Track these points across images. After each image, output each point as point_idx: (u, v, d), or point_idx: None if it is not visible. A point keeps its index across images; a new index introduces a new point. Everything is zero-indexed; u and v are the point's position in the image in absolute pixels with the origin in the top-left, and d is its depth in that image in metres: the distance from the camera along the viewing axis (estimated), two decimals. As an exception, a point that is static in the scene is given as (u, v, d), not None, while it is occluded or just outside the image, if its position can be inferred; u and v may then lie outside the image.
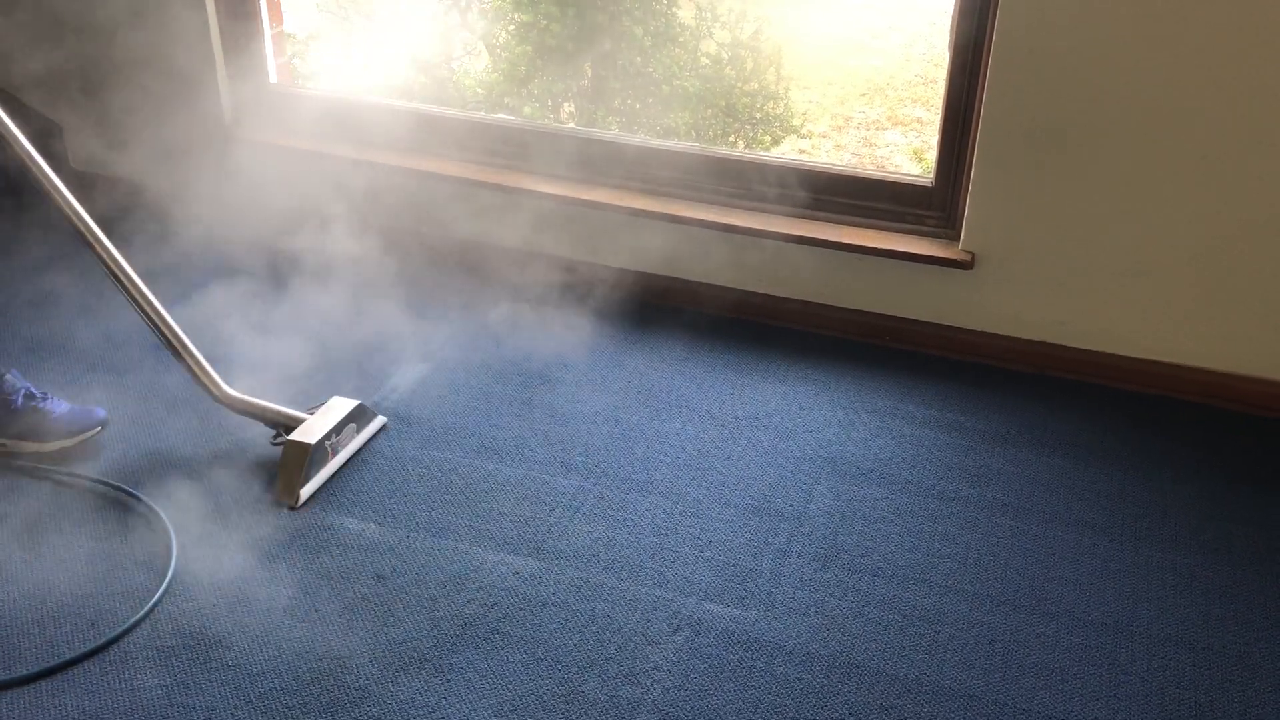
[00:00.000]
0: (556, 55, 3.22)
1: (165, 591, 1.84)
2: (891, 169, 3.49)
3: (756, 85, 3.54)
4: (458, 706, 1.67)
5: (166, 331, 2.04)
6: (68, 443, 2.14)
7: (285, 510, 2.04)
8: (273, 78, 3.00)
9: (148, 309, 2.02)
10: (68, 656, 1.72)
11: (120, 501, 2.05)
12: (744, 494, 2.14)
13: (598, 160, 2.77)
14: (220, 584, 1.88)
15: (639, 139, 2.79)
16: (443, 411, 2.33)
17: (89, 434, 2.17)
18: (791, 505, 2.11)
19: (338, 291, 2.71)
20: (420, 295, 2.76)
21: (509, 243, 2.85)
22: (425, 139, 2.90)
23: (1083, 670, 1.77)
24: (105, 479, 2.09)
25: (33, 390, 2.16)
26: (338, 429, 2.13)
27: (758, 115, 3.57)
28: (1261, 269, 2.30)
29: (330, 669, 1.72)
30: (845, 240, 2.54)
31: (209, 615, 1.81)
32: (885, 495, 2.14)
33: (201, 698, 1.67)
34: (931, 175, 2.54)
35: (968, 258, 2.46)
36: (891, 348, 2.62)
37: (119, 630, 1.76)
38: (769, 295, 2.69)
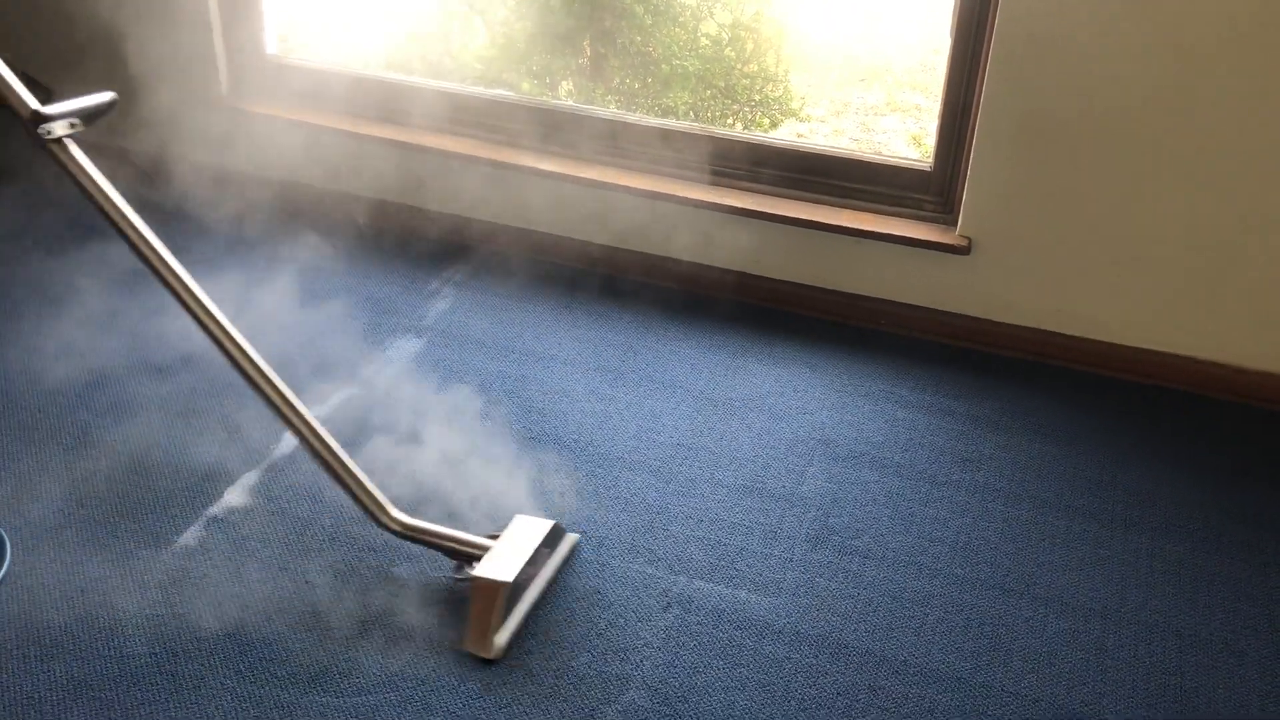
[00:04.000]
0: (556, 31, 3.20)
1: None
2: (889, 154, 3.48)
3: (756, 67, 3.53)
4: (446, 679, 1.67)
5: (319, 447, 1.76)
6: None
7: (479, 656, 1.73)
8: (270, 48, 2.98)
9: (293, 418, 1.74)
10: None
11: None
12: (736, 474, 2.14)
13: (594, 137, 2.76)
14: (214, 558, 1.87)
15: (637, 117, 2.78)
16: (431, 388, 2.33)
17: None
18: (783, 486, 2.11)
19: (329, 265, 2.70)
20: (413, 269, 2.75)
21: (501, 219, 2.84)
22: (423, 112, 2.89)
23: (1070, 655, 1.77)
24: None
25: None
26: (533, 559, 1.79)
27: (757, 97, 3.55)
28: (1256, 261, 2.30)
29: (320, 640, 1.72)
30: (843, 223, 2.53)
31: (198, 584, 1.81)
32: (877, 478, 2.14)
33: (191, 666, 1.67)
34: (930, 160, 2.53)
35: (964, 243, 2.46)
36: (886, 332, 2.62)
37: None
38: (764, 277, 2.69)
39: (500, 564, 1.74)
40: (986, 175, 2.41)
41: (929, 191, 2.55)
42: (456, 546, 1.81)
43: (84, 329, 2.45)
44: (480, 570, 1.73)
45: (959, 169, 2.48)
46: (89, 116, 1.66)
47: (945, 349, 2.56)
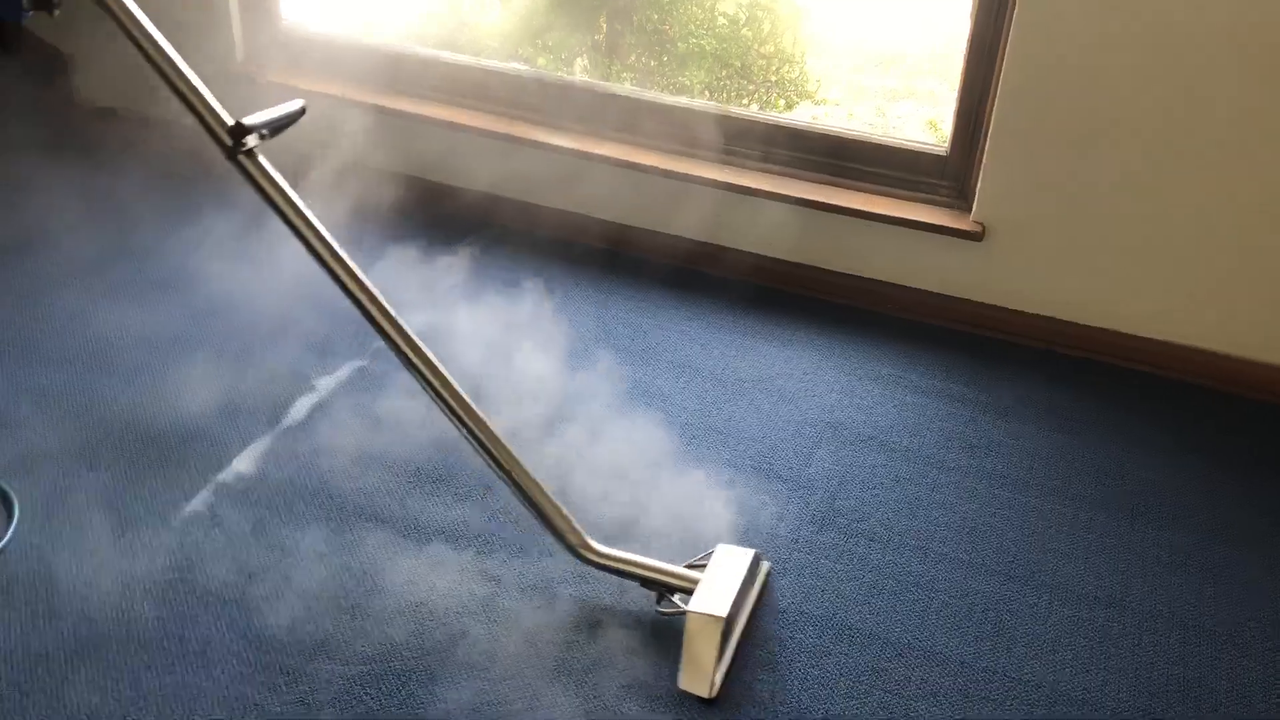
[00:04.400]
0: (572, 8, 3.19)
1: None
2: (905, 138, 3.47)
3: (773, 48, 3.50)
4: (447, 650, 1.68)
5: (519, 475, 1.69)
6: None
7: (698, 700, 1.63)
8: (285, 17, 2.97)
9: (494, 449, 1.68)
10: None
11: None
12: (744, 455, 2.14)
13: (608, 114, 2.75)
14: (222, 523, 1.88)
15: (652, 94, 2.77)
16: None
17: None
18: (790, 468, 2.11)
19: (338, 238, 2.70)
20: (423, 243, 2.75)
21: (512, 194, 2.84)
22: (437, 85, 2.88)
23: (1074, 642, 1.78)
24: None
25: None
26: (743, 591, 1.71)
27: (773, 78, 3.53)
28: (1270, 253, 2.29)
29: (326, 608, 1.73)
30: (857, 206, 2.52)
31: (206, 550, 1.82)
32: (884, 462, 2.14)
33: (197, 630, 1.68)
34: (946, 145, 2.52)
35: (978, 229, 2.45)
36: (897, 316, 2.61)
37: None
38: (776, 258, 2.68)
39: (714, 598, 1.65)
40: (1002, 162, 2.39)
41: (944, 176, 2.54)
42: (659, 578, 1.73)
43: (95, 295, 2.45)
44: (695, 605, 1.64)
45: (975, 155, 2.47)
46: (278, 127, 1.61)
47: (956, 335, 2.56)
